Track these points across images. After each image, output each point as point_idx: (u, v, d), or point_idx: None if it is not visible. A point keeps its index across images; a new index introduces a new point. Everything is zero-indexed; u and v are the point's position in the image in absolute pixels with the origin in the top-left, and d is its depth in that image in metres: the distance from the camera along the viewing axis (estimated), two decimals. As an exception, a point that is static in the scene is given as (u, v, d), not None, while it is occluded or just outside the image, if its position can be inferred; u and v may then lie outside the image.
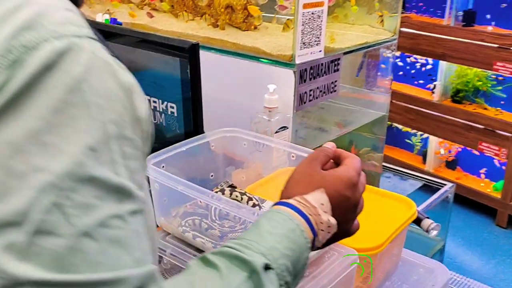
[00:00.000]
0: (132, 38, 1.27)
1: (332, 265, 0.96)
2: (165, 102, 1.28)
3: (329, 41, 1.43)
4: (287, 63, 1.31)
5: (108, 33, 1.35)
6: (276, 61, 1.33)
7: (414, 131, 3.58)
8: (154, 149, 1.06)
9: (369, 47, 1.54)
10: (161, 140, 1.36)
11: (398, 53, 3.60)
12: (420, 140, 3.61)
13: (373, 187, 1.24)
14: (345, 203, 0.70)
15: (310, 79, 1.35)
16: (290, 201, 0.68)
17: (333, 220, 0.68)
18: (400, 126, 3.64)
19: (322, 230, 0.67)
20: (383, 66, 1.75)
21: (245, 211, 0.87)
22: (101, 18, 1.56)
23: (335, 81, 1.43)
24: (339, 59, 1.42)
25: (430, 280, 1.19)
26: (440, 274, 1.20)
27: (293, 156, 1.10)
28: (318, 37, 1.33)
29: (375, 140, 1.79)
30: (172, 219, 1.06)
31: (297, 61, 1.29)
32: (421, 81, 3.57)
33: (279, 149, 1.11)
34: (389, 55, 3.54)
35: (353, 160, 0.73)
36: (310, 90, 1.36)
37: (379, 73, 1.78)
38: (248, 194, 1.12)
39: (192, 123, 1.24)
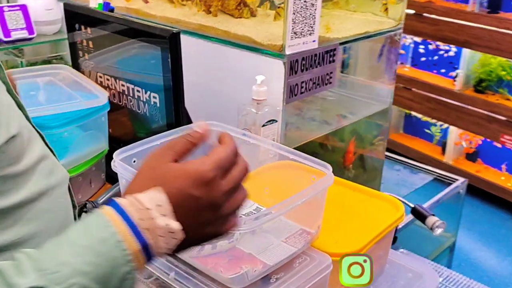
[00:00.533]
0: (115, 25, 1.23)
1: (302, 271, 0.91)
2: (148, 92, 1.24)
3: (325, 30, 1.36)
4: (277, 53, 1.25)
5: (92, 19, 1.31)
6: (267, 51, 1.27)
7: (434, 120, 3.47)
8: (140, 139, 1.02)
9: (369, 37, 1.46)
10: (146, 130, 1.33)
11: (419, 39, 3.49)
12: (439, 131, 3.49)
13: (361, 186, 1.18)
14: (193, 203, 0.58)
15: (302, 70, 1.28)
16: (121, 200, 0.57)
17: (175, 225, 0.56)
18: (419, 115, 3.53)
19: (161, 236, 0.56)
20: (399, 52, 1.67)
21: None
22: (94, 2, 1.51)
23: (331, 73, 1.37)
24: (335, 49, 1.35)
25: (418, 286, 1.13)
26: (429, 279, 1.15)
27: (271, 154, 1.05)
28: (312, 27, 1.26)
29: (378, 132, 1.72)
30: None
31: (287, 52, 1.23)
32: (442, 70, 3.44)
33: (259, 145, 1.06)
34: (409, 40, 3.41)
35: (217, 150, 0.61)
36: (302, 82, 1.30)
37: (398, 62, 1.70)
38: (225, 191, 1.07)
39: (174, 114, 1.20)
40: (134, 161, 1.01)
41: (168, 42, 1.12)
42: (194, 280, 0.88)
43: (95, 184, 1.29)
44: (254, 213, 1.04)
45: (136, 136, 1.37)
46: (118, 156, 0.97)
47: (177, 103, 1.17)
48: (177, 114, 1.19)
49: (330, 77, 1.37)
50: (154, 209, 0.56)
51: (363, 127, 1.67)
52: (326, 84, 1.37)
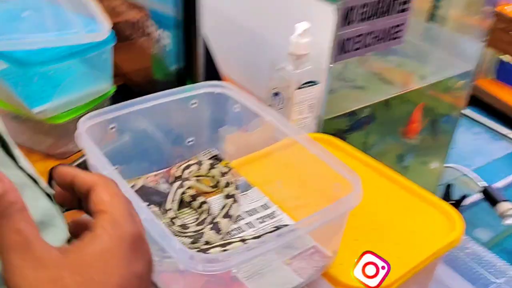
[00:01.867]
0: None
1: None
2: (161, 29, 0.99)
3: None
4: (329, -5, 0.95)
5: None
6: (317, -9, 0.97)
7: (533, 70, 3.00)
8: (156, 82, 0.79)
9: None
10: (163, 72, 1.09)
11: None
12: (538, 83, 3.03)
13: (412, 184, 0.91)
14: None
15: (361, 20, 0.98)
16: None
17: None
18: (516, 62, 3.06)
19: None
20: None
21: (161, 241, 0.58)
22: None
23: (401, 25, 1.05)
24: (410, -6, 1.03)
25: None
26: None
27: (289, 141, 0.79)
28: (381, -38, 0.95)
29: (453, 96, 1.40)
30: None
31: (342, -5, 0.93)
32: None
33: (273, 124, 0.80)
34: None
35: (105, 195, 0.39)
36: (358, 36, 1.00)
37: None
38: (229, 175, 0.84)
39: (185, 59, 0.95)
40: (113, 128, 0.79)
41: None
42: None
43: (94, 131, 1.09)
44: (261, 211, 0.80)
45: (153, 78, 1.14)
46: (85, 123, 0.74)
47: (189, 45, 0.92)
48: (189, 60, 0.94)
49: (400, 31, 1.06)
50: None
51: (436, 91, 1.36)
52: (391, 39, 1.06)
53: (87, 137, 0.71)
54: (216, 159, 0.89)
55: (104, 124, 0.76)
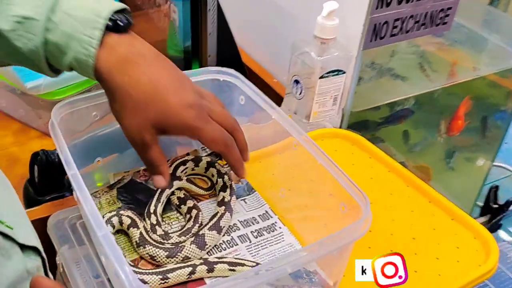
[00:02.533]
0: None
1: None
2: (168, 1, 0.88)
3: None
4: (364, -29, 0.81)
5: None
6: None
7: None
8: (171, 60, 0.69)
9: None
10: (176, 48, 0.98)
11: None
12: None
13: (444, 199, 0.78)
14: None
15: (400, 1, 0.84)
16: None
17: None
18: None
19: None
20: None
21: (114, 262, 0.48)
22: None
23: (448, 9, 0.90)
24: (462, -27, 0.88)
25: None
26: None
27: (295, 145, 0.67)
28: None
29: (502, 98, 1.24)
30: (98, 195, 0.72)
31: (379, -29, 0.79)
32: None
33: (279, 123, 0.68)
34: None
35: None
36: (396, 20, 0.85)
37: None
38: (227, 178, 0.73)
39: (191, 36, 0.84)
40: (96, 116, 0.69)
41: None
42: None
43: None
44: (259, 222, 0.70)
45: (166, 54, 1.03)
46: (61, 110, 0.64)
47: (196, 20, 0.81)
48: (195, 39, 0.83)
49: (446, 15, 0.91)
50: None
51: (485, 85, 1.20)
52: (436, 25, 0.91)
53: (57, 128, 0.61)
54: (216, 155, 0.78)
55: (85, 113, 0.67)
